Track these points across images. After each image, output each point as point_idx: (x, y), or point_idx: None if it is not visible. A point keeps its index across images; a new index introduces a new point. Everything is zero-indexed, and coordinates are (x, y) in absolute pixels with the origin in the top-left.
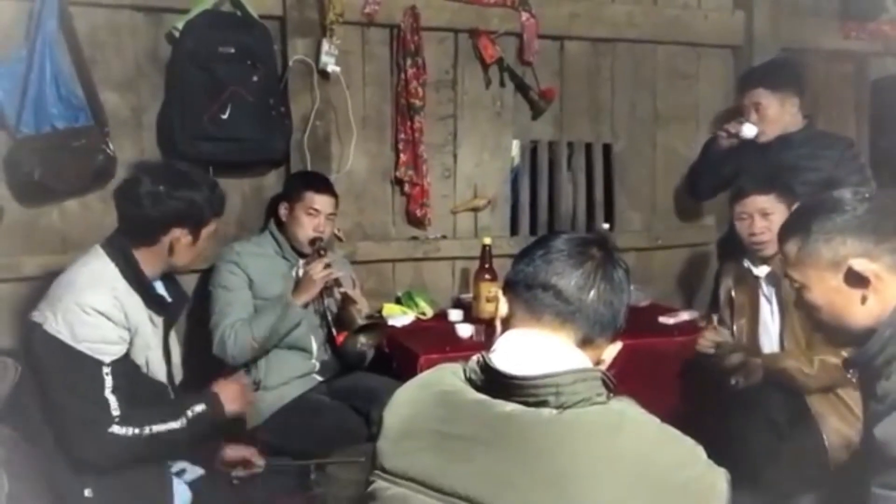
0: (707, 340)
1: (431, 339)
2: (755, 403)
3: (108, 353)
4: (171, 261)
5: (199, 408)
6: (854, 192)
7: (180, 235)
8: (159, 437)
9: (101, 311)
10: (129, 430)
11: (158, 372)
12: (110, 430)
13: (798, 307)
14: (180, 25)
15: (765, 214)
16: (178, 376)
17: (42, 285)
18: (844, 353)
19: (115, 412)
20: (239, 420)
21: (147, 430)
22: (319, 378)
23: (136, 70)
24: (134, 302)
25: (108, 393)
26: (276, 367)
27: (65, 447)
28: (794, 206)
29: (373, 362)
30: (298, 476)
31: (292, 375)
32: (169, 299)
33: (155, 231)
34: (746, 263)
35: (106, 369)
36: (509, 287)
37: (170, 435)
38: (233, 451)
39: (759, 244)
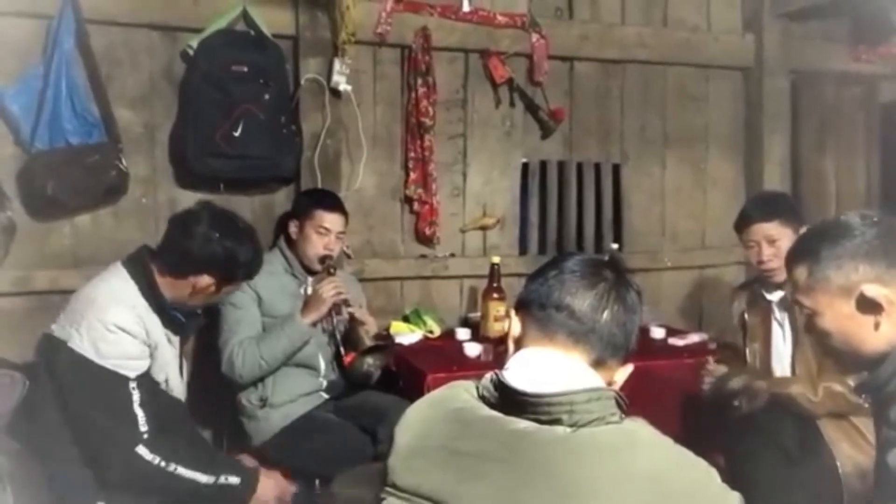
0: (705, 383)
1: (439, 358)
2: (767, 429)
3: (133, 368)
4: (186, 298)
5: (233, 480)
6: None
7: (207, 282)
8: (180, 481)
9: (122, 328)
10: (156, 458)
11: (176, 389)
12: (137, 449)
13: (808, 333)
14: (195, 44)
15: (771, 241)
16: (185, 394)
17: (52, 299)
18: (850, 382)
19: (144, 428)
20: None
21: (172, 466)
22: (326, 396)
23: (150, 87)
24: (153, 320)
25: (136, 407)
26: (283, 385)
27: (86, 462)
28: (801, 230)
29: (380, 380)
30: (304, 494)
31: (299, 393)
32: (183, 319)
33: (188, 268)
34: (759, 288)
35: (132, 384)
36: (522, 306)
37: (192, 484)
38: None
39: (769, 271)
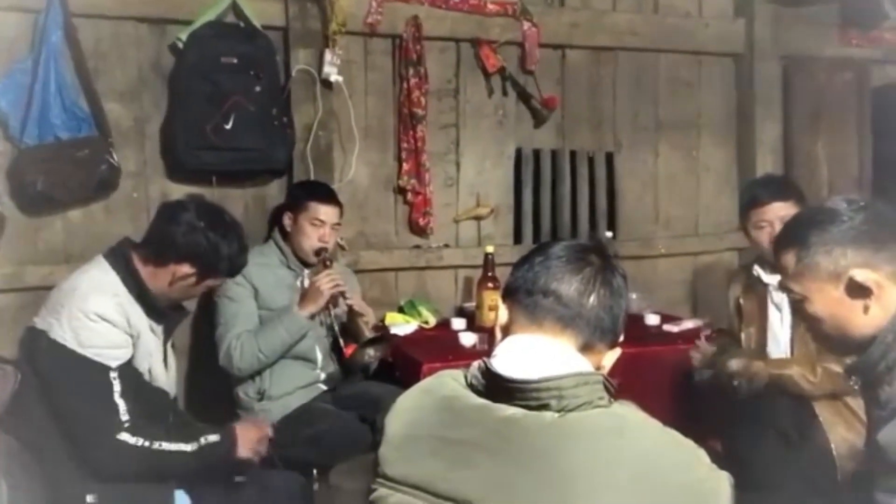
0: (694, 359)
1: (434, 348)
2: (762, 411)
3: (114, 357)
4: (166, 289)
5: (213, 438)
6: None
7: (187, 272)
8: (167, 456)
9: (104, 317)
10: (139, 441)
11: (160, 380)
12: (119, 436)
13: (799, 319)
14: (184, 36)
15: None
16: (174, 388)
17: (44, 295)
18: (848, 361)
19: (125, 417)
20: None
21: (156, 444)
22: (324, 387)
23: (139, 80)
24: (135, 309)
25: (117, 397)
26: (280, 377)
27: (74, 454)
28: None
29: (376, 371)
30: (301, 487)
31: (297, 385)
32: (164, 308)
33: (169, 256)
34: (757, 271)
35: (113, 374)
36: (509, 294)
37: (178, 456)
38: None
39: None
